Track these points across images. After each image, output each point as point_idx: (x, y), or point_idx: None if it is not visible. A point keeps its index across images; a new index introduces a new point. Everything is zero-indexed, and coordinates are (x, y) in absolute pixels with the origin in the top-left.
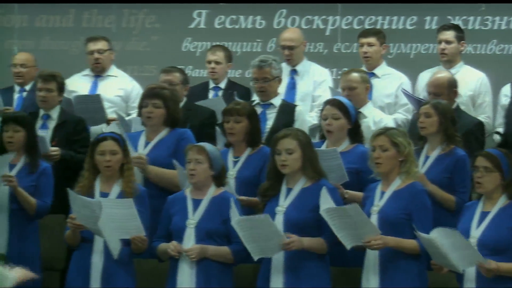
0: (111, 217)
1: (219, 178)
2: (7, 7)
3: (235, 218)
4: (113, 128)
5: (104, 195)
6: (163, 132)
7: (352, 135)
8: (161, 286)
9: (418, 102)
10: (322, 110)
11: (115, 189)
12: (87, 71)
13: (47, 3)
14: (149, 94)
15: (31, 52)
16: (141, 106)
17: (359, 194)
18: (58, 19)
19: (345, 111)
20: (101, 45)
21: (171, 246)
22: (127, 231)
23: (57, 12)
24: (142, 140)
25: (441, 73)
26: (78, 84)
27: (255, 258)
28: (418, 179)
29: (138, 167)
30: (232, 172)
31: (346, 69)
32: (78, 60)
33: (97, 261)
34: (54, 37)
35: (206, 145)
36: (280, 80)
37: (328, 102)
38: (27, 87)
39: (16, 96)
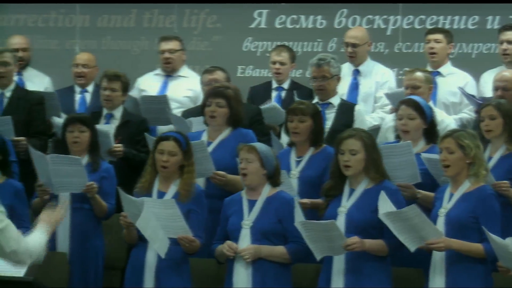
0: (157, 216)
1: (273, 178)
2: (69, 7)
3: (299, 219)
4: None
5: (161, 194)
6: (226, 132)
7: (427, 136)
8: (220, 287)
9: (474, 102)
10: (397, 110)
11: (172, 189)
12: (158, 71)
13: (109, 3)
14: (213, 93)
15: (92, 52)
16: (204, 105)
17: (432, 194)
18: (120, 19)
19: (421, 111)
20: (172, 44)
21: (226, 246)
22: (174, 231)
23: (118, 12)
24: (203, 139)
25: (507, 70)
26: (149, 83)
27: (318, 258)
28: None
29: (217, 183)
30: (294, 172)
31: (407, 69)
32: (139, 60)
33: (150, 260)
34: (116, 37)
35: (257, 145)
36: (339, 79)
37: (403, 102)
38: (88, 88)
39: (77, 96)
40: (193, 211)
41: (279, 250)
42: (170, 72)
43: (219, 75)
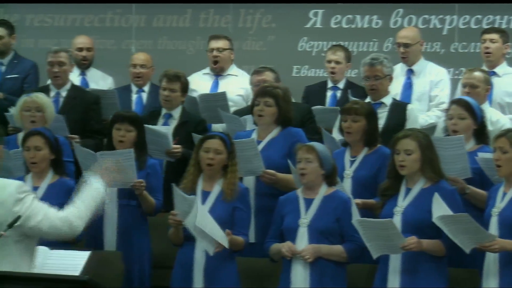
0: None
1: (330, 177)
2: (125, 7)
3: (356, 217)
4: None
5: (205, 193)
6: (275, 131)
7: (477, 136)
8: (269, 286)
9: None
10: (448, 109)
11: (216, 189)
12: (207, 70)
13: (165, 3)
14: (261, 93)
15: (148, 52)
16: (253, 105)
17: (482, 192)
18: (175, 19)
19: (471, 111)
20: (221, 43)
21: (285, 247)
22: (215, 235)
23: (174, 12)
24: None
25: None
26: (199, 83)
27: (374, 256)
28: None
29: (268, 182)
30: (348, 172)
31: (463, 69)
32: (195, 60)
33: (199, 260)
34: (171, 37)
35: (316, 144)
36: (391, 79)
37: (454, 102)
38: (145, 88)
39: (133, 96)
40: (238, 209)
41: (338, 249)
42: (218, 71)
43: (268, 75)
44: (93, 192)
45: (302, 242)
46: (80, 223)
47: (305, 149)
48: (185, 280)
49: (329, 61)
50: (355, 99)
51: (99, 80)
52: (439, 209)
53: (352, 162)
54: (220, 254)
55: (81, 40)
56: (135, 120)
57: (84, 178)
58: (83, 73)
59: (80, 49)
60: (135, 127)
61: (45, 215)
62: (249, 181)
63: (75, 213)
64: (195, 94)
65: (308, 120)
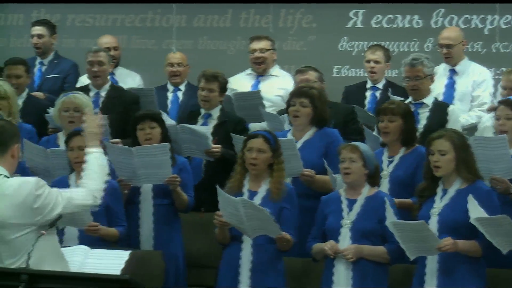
0: (254, 216)
1: (373, 177)
2: (165, 7)
3: (391, 219)
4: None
5: (252, 193)
6: (310, 132)
7: None
8: (312, 286)
9: None
10: (496, 110)
11: (263, 189)
12: (249, 70)
13: (205, 3)
14: (297, 93)
15: (188, 52)
16: (288, 105)
17: None
18: (216, 19)
19: None
20: (263, 44)
21: (328, 245)
22: (269, 230)
23: (215, 12)
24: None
25: None
26: (241, 83)
27: (411, 258)
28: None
29: (305, 181)
30: (386, 172)
31: (504, 69)
32: (235, 60)
33: (245, 260)
34: (212, 37)
35: (360, 144)
36: (432, 79)
37: (502, 102)
38: (181, 87)
39: (170, 95)
40: (285, 209)
41: (380, 250)
42: (261, 71)
43: (311, 75)
44: (98, 165)
45: (345, 242)
46: (100, 196)
47: (349, 149)
48: (232, 279)
49: (369, 61)
50: (394, 97)
51: (127, 79)
52: (474, 210)
53: (389, 162)
54: (267, 254)
55: (107, 40)
56: (156, 116)
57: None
58: (111, 73)
59: (107, 49)
60: (158, 123)
61: (68, 200)
62: (286, 181)
63: (96, 187)
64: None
65: (350, 121)
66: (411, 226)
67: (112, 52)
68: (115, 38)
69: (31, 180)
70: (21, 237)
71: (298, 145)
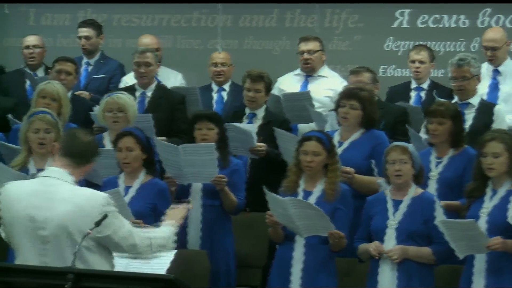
0: (304, 215)
1: (418, 178)
2: (211, 7)
3: (440, 218)
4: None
5: (307, 193)
6: (358, 133)
7: None
8: (358, 286)
9: None
10: None
11: (318, 189)
12: (298, 70)
13: (251, 3)
14: (347, 95)
15: (234, 51)
16: (338, 106)
17: None
18: (262, 19)
19: None
20: (312, 45)
21: (373, 246)
22: (320, 229)
23: (260, 12)
24: (335, 139)
25: None
26: (289, 83)
27: (460, 257)
28: None
29: (345, 180)
30: (434, 173)
31: None
32: (281, 60)
33: (297, 259)
34: (257, 37)
35: (408, 145)
36: (479, 79)
37: None
38: (225, 86)
39: (214, 95)
40: (339, 209)
41: (425, 250)
42: (309, 72)
43: (364, 76)
44: (170, 235)
45: (390, 243)
46: (155, 251)
47: (400, 151)
48: (283, 279)
49: (413, 61)
50: (440, 99)
51: (169, 78)
52: None
53: (438, 163)
54: (320, 254)
55: (147, 40)
56: (215, 117)
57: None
58: None
59: None
60: (216, 124)
61: (129, 232)
62: None
63: (155, 239)
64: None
65: (400, 122)
66: (460, 225)
67: None
68: (155, 38)
69: (102, 195)
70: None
71: (345, 145)
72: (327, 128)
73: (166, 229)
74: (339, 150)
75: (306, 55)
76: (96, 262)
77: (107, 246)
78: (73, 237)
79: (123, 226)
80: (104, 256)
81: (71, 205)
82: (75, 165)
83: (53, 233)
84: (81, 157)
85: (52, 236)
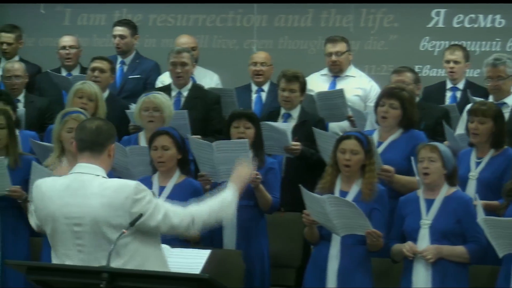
0: (341, 213)
1: (451, 178)
2: (246, 7)
3: (482, 216)
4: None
5: (343, 193)
6: (397, 133)
7: None
8: (396, 286)
9: None
10: None
11: (354, 189)
12: (325, 71)
13: (286, 3)
14: (387, 94)
15: (269, 51)
16: (377, 105)
17: None
18: (297, 19)
19: None
20: (339, 47)
21: (406, 247)
22: (358, 228)
23: (296, 12)
24: (374, 139)
25: None
26: (317, 83)
27: (500, 255)
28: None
29: (384, 179)
30: (473, 173)
31: None
32: (316, 60)
33: (333, 260)
34: (293, 37)
35: (439, 144)
36: None
37: None
38: (264, 87)
39: (253, 95)
40: (376, 210)
41: (459, 250)
42: (337, 72)
43: (407, 76)
44: (224, 203)
45: (423, 243)
46: (199, 227)
47: (428, 149)
48: (319, 279)
49: (448, 61)
50: (477, 98)
51: (205, 78)
52: None
53: (478, 163)
54: (356, 254)
55: (185, 40)
56: (253, 117)
57: (222, 185)
58: None
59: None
60: (253, 124)
61: (165, 215)
62: None
63: (198, 215)
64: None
65: (441, 124)
66: (503, 223)
67: None
68: (193, 38)
69: (131, 183)
70: (120, 239)
71: (384, 145)
72: (367, 126)
73: (219, 199)
74: (378, 150)
75: (333, 57)
76: (138, 251)
77: (146, 232)
78: (108, 231)
79: (159, 210)
80: (145, 242)
81: (103, 199)
82: (96, 154)
83: (88, 228)
84: (97, 144)
85: (88, 231)
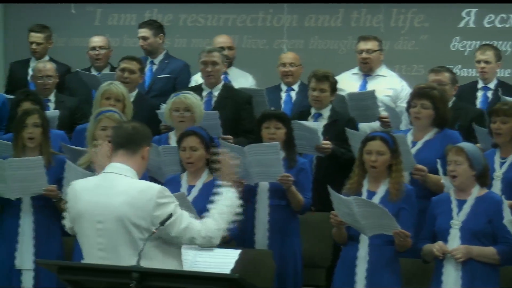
0: (368, 214)
1: (482, 178)
2: (276, 7)
3: (508, 217)
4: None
5: (371, 194)
6: (431, 133)
7: None
8: (426, 286)
9: None
10: None
11: (382, 189)
12: (356, 70)
13: (317, 3)
14: (418, 94)
15: (299, 51)
16: (409, 106)
17: None
18: (327, 19)
19: None
20: (371, 45)
21: (436, 246)
22: (386, 228)
23: (326, 12)
24: (409, 139)
25: None
26: (347, 82)
27: None
28: None
29: (417, 178)
30: (498, 173)
31: None
32: (346, 60)
33: (362, 260)
34: (323, 37)
35: (465, 145)
36: None
37: None
38: (294, 86)
39: (283, 95)
40: (404, 209)
41: (490, 250)
42: (368, 71)
43: (444, 76)
44: (229, 203)
45: (454, 243)
46: (218, 240)
47: (454, 151)
48: (348, 279)
49: (479, 61)
50: (508, 98)
51: (241, 79)
52: None
53: (502, 163)
54: (384, 254)
55: (222, 40)
56: (283, 117)
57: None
58: (224, 72)
59: (221, 48)
60: (284, 124)
61: (188, 227)
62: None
63: (215, 229)
64: (342, 94)
65: (476, 124)
66: None
67: (227, 52)
68: (230, 37)
69: (156, 187)
70: (142, 240)
71: (418, 145)
72: (402, 125)
73: (225, 203)
74: (413, 150)
75: (364, 54)
76: (157, 259)
77: (168, 241)
78: (129, 231)
79: (182, 220)
80: (167, 252)
81: (127, 198)
82: (130, 154)
83: (110, 226)
84: (132, 144)
85: (109, 229)
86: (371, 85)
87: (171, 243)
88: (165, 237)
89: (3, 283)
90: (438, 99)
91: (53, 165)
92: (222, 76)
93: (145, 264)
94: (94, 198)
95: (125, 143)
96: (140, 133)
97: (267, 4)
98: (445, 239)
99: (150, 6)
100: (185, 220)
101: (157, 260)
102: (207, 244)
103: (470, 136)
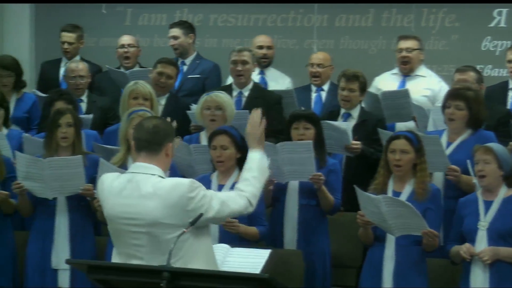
0: (397, 213)
1: (510, 179)
2: (307, 7)
3: None
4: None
5: (396, 194)
6: (466, 134)
7: None
8: (454, 287)
9: None
10: None
11: (407, 189)
12: (395, 70)
13: (347, 3)
14: (452, 95)
15: (330, 51)
16: (444, 107)
17: None
18: (358, 19)
19: None
20: (410, 43)
21: (463, 248)
22: (414, 227)
23: (356, 12)
24: (443, 140)
25: None
26: (387, 83)
27: None
28: None
29: (451, 179)
30: None
31: None
32: (377, 60)
33: (389, 260)
34: (353, 37)
35: (494, 145)
36: None
37: None
38: (324, 87)
39: (313, 95)
40: (430, 209)
41: None
42: (407, 71)
43: (470, 75)
44: (261, 167)
45: (481, 244)
46: (256, 201)
47: (482, 151)
48: (375, 280)
49: (510, 61)
50: None
51: (278, 80)
52: None
53: None
54: (411, 255)
55: (262, 39)
56: (313, 117)
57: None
58: (262, 72)
59: (261, 47)
60: (313, 124)
61: (222, 203)
62: (439, 185)
63: (252, 193)
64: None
65: (503, 124)
66: None
67: (265, 51)
68: (270, 38)
69: (185, 182)
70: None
71: (453, 146)
72: (429, 124)
73: (255, 166)
74: (448, 151)
75: (404, 53)
76: (192, 247)
77: (205, 225)
78: (165, 230)
79: (214, 200)
80: (199, 234)
81: (158, 199)
82: (153, 153)
83: (145, 229)
84: (153, 143)
85: (144, 232)
86: (410, 85)
87: (213, 223)
88: (203, 223)
89: (37, 283)
90: (473, 100)
91: (86, 164)
92: (259, 77)
93: (181, 254)
94: (121, 200)
95: (147, 144)
96: (161, 132)
97: (297, 4)
98: (472, 240)
99: (180, 6)
100: (216, 199)
101: (191, 248)
102: (247, 209)
103: (497, 136)
